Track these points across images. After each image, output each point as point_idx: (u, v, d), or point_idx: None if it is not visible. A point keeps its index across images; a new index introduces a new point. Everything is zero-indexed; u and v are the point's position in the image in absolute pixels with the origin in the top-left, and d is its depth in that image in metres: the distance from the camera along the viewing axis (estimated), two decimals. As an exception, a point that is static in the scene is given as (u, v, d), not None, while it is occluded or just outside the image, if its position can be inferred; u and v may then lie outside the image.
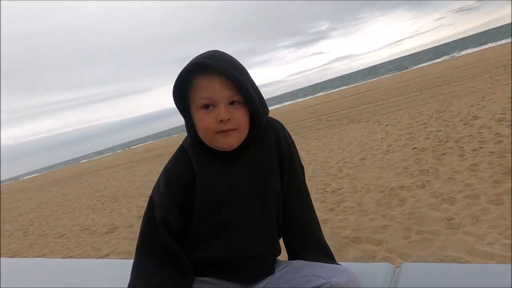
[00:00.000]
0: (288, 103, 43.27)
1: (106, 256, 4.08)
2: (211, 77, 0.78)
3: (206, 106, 0.79)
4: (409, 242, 2.53)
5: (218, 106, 0.79)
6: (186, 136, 0.90)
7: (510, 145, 3.92)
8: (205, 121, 0.79)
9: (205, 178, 0.85)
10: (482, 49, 28.85)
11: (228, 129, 0.79)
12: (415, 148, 5.02)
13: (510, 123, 4.84)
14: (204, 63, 0.77)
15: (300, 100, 41.07)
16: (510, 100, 6.28)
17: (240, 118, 0.80)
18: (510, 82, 8.22)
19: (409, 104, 9.67)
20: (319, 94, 41.61)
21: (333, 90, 38.65)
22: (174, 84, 0.81)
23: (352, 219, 3.17)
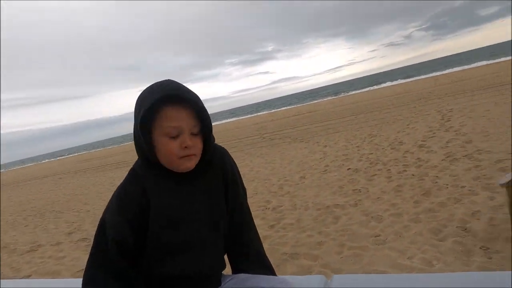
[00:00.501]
0: (233, 119, 43.65)
1: (27, 277, 3.71)
2: (179, 108, 0.85)
3: (172, 134, 0.85)
4: (341, 257, 2.71)
5: (183, 134, 0.86)
6: (137, 160, 0.93)
7: (429, 169, 4.43)
8: (171, 147, 0.85)
9: (159, 197, 0.88)
10: (409, 81, 32.22)
11: (190, 154, 0.87)
12: (350, 169, 5.42)
13: (429, 149, 5.47)
14: (176, 95, 0.84)
15: (245, 117, 41.73)
16: (429, 129, 7.11)
17: (198, 145, 0.89)
18: (430, 112, 9.30)
19: (346, 127, 10.40)
20: (264, 112, 42.69)
21: (277, 110, 39.95)
22: (142, 111, 0.83)
23: (291, 236, 3.31)
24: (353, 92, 37.87)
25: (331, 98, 37.73)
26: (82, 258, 3.89)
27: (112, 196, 0.91)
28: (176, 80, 0.88)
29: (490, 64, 28.20)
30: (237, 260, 1.02)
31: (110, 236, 0.85)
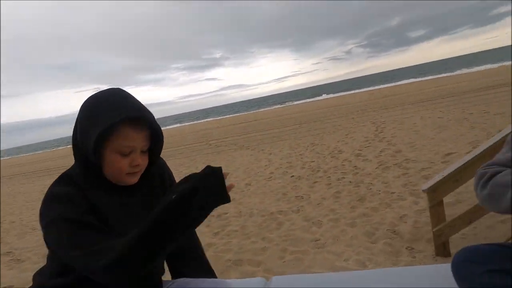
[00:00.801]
0: (179, 125, 42.75)
1: None
2: (138, 129, 0.85)
3: (125, 152, 0.85)
4: (283, 262, 2.79)
5: (134, 153, 0.86)
6: (73, 167, 0.90)
7: (364, 176, 4.77)
8: (121, 164, 0.85)
9: (105, 207, 0.87)
10: (348, 94, 34.37)
11: (137, 171, 0.89)
12: (293, 176, 5.61)
13: (365, 158, 5.88)
14: (138, 117, 0.84)
15: (191, 123, 41.12)
16: (365, 139, 7.64)
17: (146, 162, 0.91)
18: (366, 124, 10.01)
19: (290, 135, 10.76)
20: (210, 119, 42.49)
21: (224, 117, 40.00)
22: (102, 129, 0.80)
23: (235, 243, 3.33)
24: (298, 102, 39.34)
25: (276, 107, 38.75)
26: (4, 274, 3.51)
27: (47, 200, 0.84)
28: (122, 88, 0.88)
29: (418, 81, 31.23)
30: (177, 264, 1.04)
31: (87, 222, 0.79)
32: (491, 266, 0.67)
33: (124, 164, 0.85)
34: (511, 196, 0.72)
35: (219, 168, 0.79)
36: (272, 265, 2.77)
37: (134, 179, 0.89)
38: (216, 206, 0.78)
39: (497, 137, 2.22)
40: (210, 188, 0.76)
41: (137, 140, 0.85)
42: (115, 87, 0.89)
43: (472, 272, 0.69)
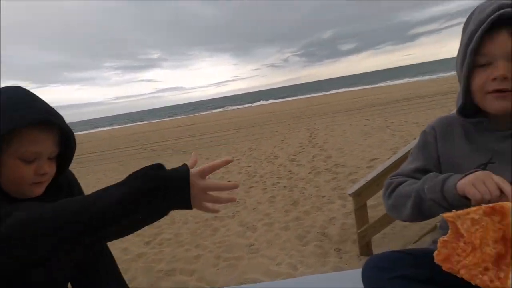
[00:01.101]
0: (111, 127, 40.23)
1: None
2: (45, 133, 0.77)
3: (29, 159, 0.76)
4: (217, 269, 2.76)
5: (40, 159, 0.78)
6: None
7: (298, 181, 4.94)
8: (24, 173, 0.76)
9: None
10: (286, 101, 35.59)
11: (44, 180, 0.80)
12: (230, 181, 5.59)
13: (299, 163, 6.11)
14: (48, 120, 0.75)
15: (125, 125, 38.96)
16: (299, 144, 7.95)
17: (53, 170, 0.83)
18: (301, 130, 10.43)
19: (228, 140, 10.77)
20: (146, 121, 40.79)
21: (160, 120, 38.68)
22: (3, 131, 0.70)
23: (168, 252, 3.21)
24: (237, 107, 39.65)
25: (215, 111, 38.60)
26: None
27: None
28: (25, 88, 0.79)
29: (348, 91, 33.61)
30: (89, 286, 0.95)
31: None
32: (395, 273, 0.73)
33: (28, 172, 0.76)
34: (411, 206, 0.80)
35: (185, 169, 0.63)
36: (206, 273, 2.72)
37: (39, 190, 0.80)
38: (173, 208, 0.65)
39: (410, 145, 2.47)
40: (171, 188, 0.63)
41: (44, 145, 0.77)
42: (16, 85, 0.79)
43: (378, 278, 0.75)
